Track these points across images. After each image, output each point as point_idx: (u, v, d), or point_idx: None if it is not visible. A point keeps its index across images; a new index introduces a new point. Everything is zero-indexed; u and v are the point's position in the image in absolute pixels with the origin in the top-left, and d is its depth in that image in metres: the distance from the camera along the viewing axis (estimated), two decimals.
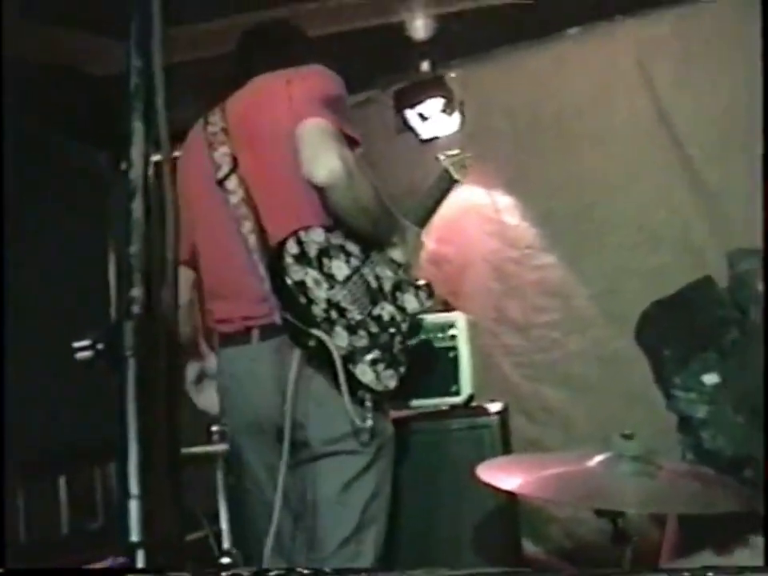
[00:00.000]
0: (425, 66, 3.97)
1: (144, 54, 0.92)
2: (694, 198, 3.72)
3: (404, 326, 2.48)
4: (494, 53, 4.08)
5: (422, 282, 2.60)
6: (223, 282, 2.46)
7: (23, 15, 2.54)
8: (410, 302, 2.54)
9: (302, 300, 2.25)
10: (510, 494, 2.61)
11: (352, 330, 2.33)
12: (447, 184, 2.98)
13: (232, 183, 2.39)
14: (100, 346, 1.05)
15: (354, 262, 2.40)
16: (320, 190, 2.29)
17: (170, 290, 0.92)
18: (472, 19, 3.69)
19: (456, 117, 3.96)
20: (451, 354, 3.39)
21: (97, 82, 3.51)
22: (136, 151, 0.94)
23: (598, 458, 1.93)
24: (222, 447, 2.88)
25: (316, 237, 2.32)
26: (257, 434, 2.40)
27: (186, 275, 2.55)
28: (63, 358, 1.11)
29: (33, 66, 3.13)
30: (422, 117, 3.95)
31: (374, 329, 2.39)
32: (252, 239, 2.33)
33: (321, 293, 2.29)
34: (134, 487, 0.91)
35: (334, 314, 2.29)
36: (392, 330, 2.43)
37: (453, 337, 3.40)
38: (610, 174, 3.86)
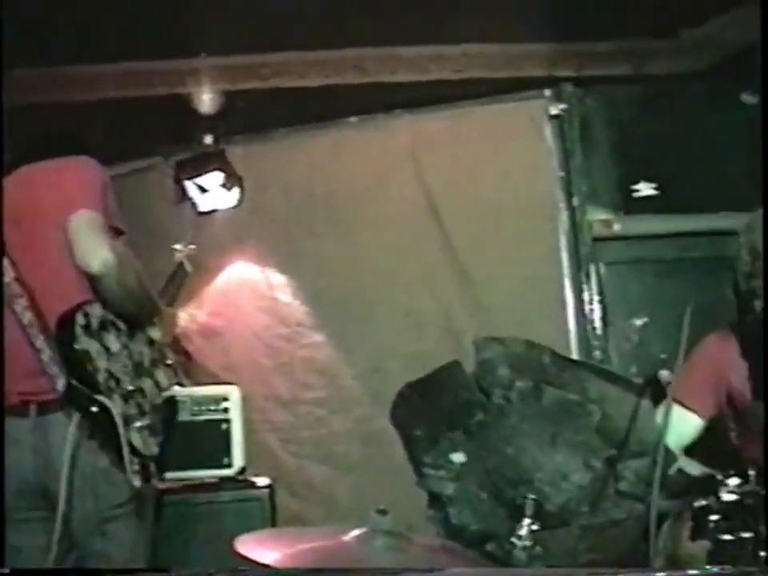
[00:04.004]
0: (208, 139, 4.00)
1: None
2: (457, 287, 3.92)
3: (159, 400, 2.68)
4: (275, 132, 4.19)
5: (170, 362, 2.80)
6: None
7: None
8: (162, 378, 2.74)
9: (89, 368, 2.42)
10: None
11: (125, 398, 2.51)
12: (182, 278, 3.50)
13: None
14: None
15: (123, 337, 2.59)
16: (91, 277, 2.46)
17: None
18: (257, 98, 3.79)
19: (235, 192, 4.00)
20: (224, 427, 3.40)
21: None
22: None
23: (354, 533, 1.96)
24: None
25: (97, 311, 2.50)
26: (30, 500, 2.47)
27: None
28: None
29: None
30: (202, 189, 3.97)
31: (140, 399, 2.58)
32: (28, 315, 2.43)
33: (102, 362, 2.47)
34: None
35: (112, 383, 2.48)
36: (153, 402, 2.64)
37: (226, 410, 3.41)
38: (380, 259, 4.00)
